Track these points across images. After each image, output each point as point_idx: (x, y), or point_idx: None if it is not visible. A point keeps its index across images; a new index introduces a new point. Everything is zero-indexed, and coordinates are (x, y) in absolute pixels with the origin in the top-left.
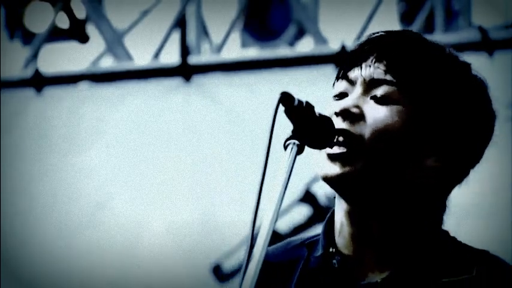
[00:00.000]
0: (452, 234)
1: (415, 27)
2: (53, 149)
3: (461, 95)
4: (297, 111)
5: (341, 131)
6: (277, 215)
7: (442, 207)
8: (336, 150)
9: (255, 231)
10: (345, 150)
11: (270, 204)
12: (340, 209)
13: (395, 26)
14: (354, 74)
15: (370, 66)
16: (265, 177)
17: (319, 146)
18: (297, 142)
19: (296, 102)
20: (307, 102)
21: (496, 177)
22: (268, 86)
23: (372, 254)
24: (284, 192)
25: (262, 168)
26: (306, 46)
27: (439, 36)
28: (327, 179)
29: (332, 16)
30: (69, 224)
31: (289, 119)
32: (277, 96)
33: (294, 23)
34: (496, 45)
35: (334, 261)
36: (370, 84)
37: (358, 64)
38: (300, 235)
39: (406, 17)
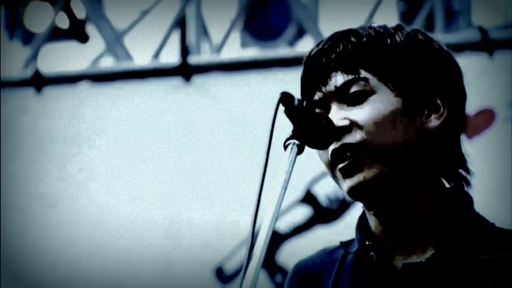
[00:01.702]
0: None
1: (415, 27)
2: (53, 149)
3: (417, 54)
4: (297, 111)
5: (343, 148)
6: (277, 215)
7: (461, 177)
8: (344, 163)
9: (255, 231)
10: (351, 159)
11: (270, 204)
12: (370, 212)
13: None
14: (319, 96)
15: (329, 79)
16: (265, 177)
17: (319, 146)
18: (297, 142)
19: (296, 102)
20: (307, 102)
21: (496, 177)
22: (268, 86)
23: (411, 242)
24: (284, 193)
25: (262, 168)
26: (306, 46)
27: (439, 36)
28: (353, 192)
29: (332, 16)
30: (69, 224)
31: (289, 119)
32: (277, 96)
33: (294, 23)
34: (496, 45)
35: (372, 253)
36: (339, 93)
37: (318, 87)
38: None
39: (406, 17)
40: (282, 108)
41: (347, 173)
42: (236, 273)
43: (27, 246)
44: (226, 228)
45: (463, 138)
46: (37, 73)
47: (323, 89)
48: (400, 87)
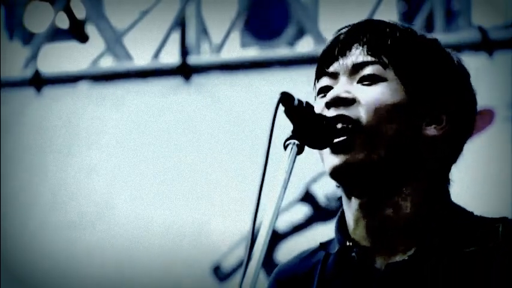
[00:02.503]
0: None
1: (415, 27)
2: (53, 149)
3: (439, 63)
4: (297, 111)
5: (338, 117)
6: (277, 214)
7: (447, 180)
8: (336, 140)
9: (255, 231)
10: (345, 137)
11: (270, 204)
12: (351, 205)
13: None
14: (334, 67)
15: (349, 53)
16: (265, 177)
17: (319, 146)
18: (297, 142)
19: (296, 102)
20: (307, 102)
21: (496, 177)
22: (268, 86)
23: (392, 239)
24: (284, 192)
25: (262, 168)
26: (306, 46)
27: (439, 36)
28: (334, 171)
29: (332, 16)
30: (69, 223)
31: (289, 119)
32: (277, 96)
33: (294, 23)
34: (496, 45)
35: (353, 253)
36: (353, 70)
37: (337, 56)
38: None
39: (406, 17)
40: (282, 108)
41: (337, 150)
42: (233, 271)
43: (27, 246)
44: (226, 228)
45: None
46: (37, 73)
47: (340, 60)
48: (412, 87)
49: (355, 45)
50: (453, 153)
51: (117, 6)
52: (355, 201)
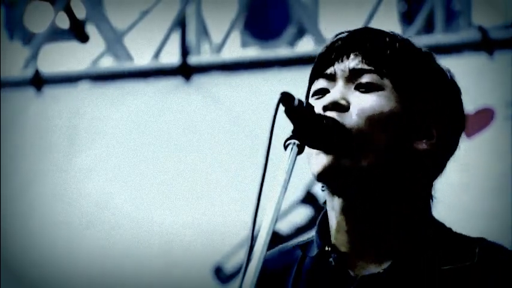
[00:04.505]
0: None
1: (415, 27)
2: (53, 149)
3: (435, 77)
4: (297, 111)
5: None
6: (277, 215)
7: (430, 195)
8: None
9: (255, 232)
10: (335, 141)
11: (270, 204)
12: (335, 209)
13: (395, 25)
14: (331, 70)
15: (348, 59)
16: (265, 178)
17: (319, 146)
18: (297, 142)
19: (296, 102)
20: (307, 102)
21: (496, 177)
22: (268, 86)
23: (371, 248)
24: (284, 193)
25: (262, 168)
26: (306, 46)
27: (439, 36)
28: (320, 174)
29: (332, 16)
30: (69, 224)
31: (289, 119)
32: (277, 96)
33: (294, 23)
34: (496, 45)
35: (331, 259)
36: (351, 75)
37: (335, 60)
38: (291, 241)
39: (406, 17)
40: (282, 108)
41: (326, 152)
42: (235, 272)
43: (27, 246)
44: (226, 228)
45: (463, 137)
46: (37, 73)
47: (338, 64)
48: (407, 99)
49: (355, 52)
50: (438, 169)
51: (117, 6)
52: (339, 205)
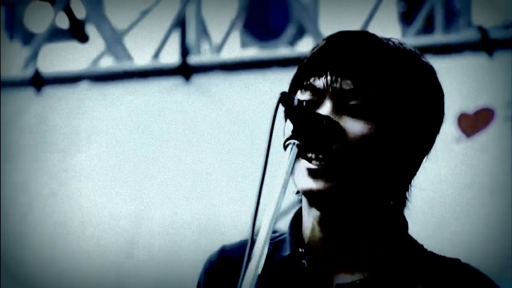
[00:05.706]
0: (453, 233)
1: (415, 27)
2: (53, 149)
3: (429, 101)
4: (297, 111)
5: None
6: (277, 215)
7: (404, 205)
8: (316, 164)
9: (255, 231)
10: (323, 165)
11: (270, 204)
12: (311, 215)
13: (395, 26)
14: (319, 83)
15: (336, 78)
16: (265, 177)
17: (319, 146)
18: (296, 142)
19: (296, 103)
20: (307, 102)
21: (496, 176)
22: (268, 86)
23: (344, 258)
24: (284, 193)
25: (262, 168)
26: (306, 46)
27: (439, 36)
28: (307, 194)
29: (332, 16)
30: (69, 224)
31: (289, 119)
32: (277, 96)
33: (294, 23)
34: (496, 45)
35: (304, 261)
36: (340, 97)
37: (322, 73)
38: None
39: (406, 17)
40: (282, 108)
41: (313, 174)
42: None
43: (27, 246)
44: (226, 228)
45: (463, 137)
46: (37, 73)
47: (327, 78)
48: (396, 127)
49: (344, 70)
50: (414, 174)
51: (117, 6)
52: (316, 215)
